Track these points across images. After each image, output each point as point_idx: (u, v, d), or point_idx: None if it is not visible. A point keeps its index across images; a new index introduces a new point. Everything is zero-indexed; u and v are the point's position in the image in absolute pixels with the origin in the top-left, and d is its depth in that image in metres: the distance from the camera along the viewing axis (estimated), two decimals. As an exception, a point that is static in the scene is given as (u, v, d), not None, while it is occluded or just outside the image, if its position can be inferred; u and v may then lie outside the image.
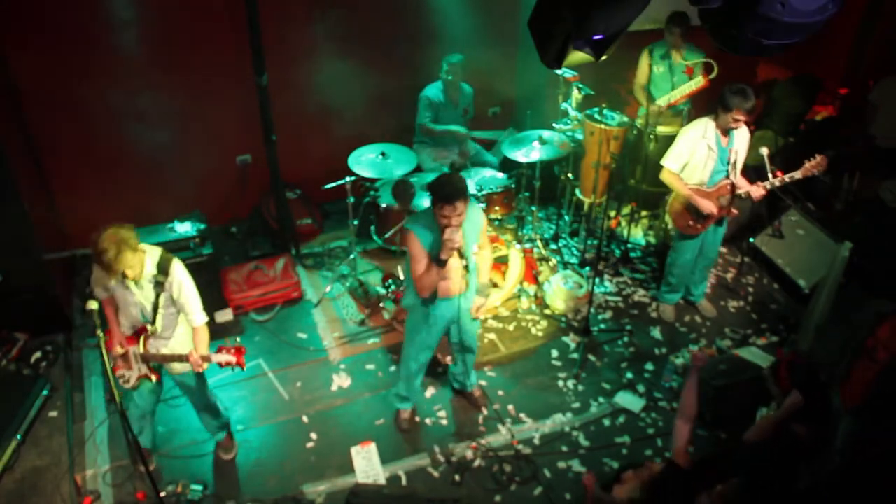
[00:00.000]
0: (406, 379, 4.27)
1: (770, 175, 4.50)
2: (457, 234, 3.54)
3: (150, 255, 3.51)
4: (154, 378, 3.72)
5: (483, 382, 4.73)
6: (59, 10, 4.74)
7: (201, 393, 3.92)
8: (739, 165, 4.59)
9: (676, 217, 4.81)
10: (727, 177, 4.58)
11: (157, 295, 3.52)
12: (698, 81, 5.43)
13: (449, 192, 3.48)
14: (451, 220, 3.52)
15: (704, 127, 4.49)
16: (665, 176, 4.66)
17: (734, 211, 4.72)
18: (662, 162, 4.65)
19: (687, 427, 3.22)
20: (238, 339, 3.65)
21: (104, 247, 3.23)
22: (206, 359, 3.57)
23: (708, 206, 4.60)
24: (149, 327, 3.60)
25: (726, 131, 4.46)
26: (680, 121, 5.73)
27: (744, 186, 4.59)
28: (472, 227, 3.82)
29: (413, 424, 4.44)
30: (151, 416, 4.02)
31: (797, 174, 4.45)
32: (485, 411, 4.51)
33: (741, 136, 4.54)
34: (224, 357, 3.58)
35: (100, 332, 3.23)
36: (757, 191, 4.53)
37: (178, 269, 3.55)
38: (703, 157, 4.53)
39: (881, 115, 5.87)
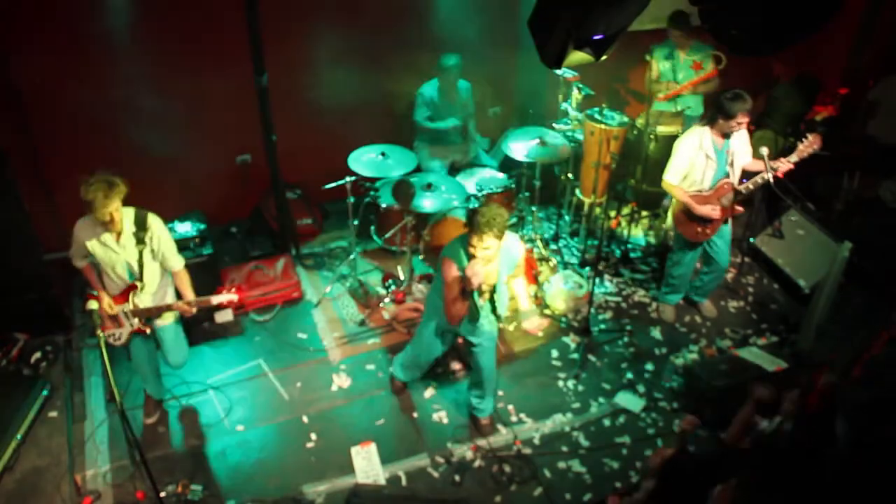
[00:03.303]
0: (411, 362, 4.36)
1: (770, 175, 4.48)
2: (478, 271, 3.47)
3: (127, 214, 3.70)
4: (147, 330, 3.90)
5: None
6: (59, 10, 4.74)
7: (177, 347, 4.07)
8: (738, 164, 4.57)
9: (682, 227, 4.78)
10: (726, 177, 4.58)
11: (139, 251, 3.70)
12: (707, 71, 5.46)
13: (481, 223, 3.38)
14: (477, 252, 3.47)
15: (699, 137, 4.48)
16: (666, 186, 4.68)
17: (738, 209, 4.69)
18: (664, 176, 4.64)
19: None
20: (234, 280, 3.77)
21: (94, 186, 3.41)
22: (197, 304, 3.78)
23: (707, 211, 4.59)
24: (137, 284, 3.76)
25: (726, 135, 4.46)
26: (680, 121, 5.73)
27: (768, 167, 4.44)
28: (508, 259, 3.74)
29: (404, 392, 4.57)
30: (153, 366, 4.15)
31: (793, 157, 4.41)
32: (490, 441, 4.33)
33: (738, 135, 4.52)
34: (225, 297, 3.77)
35: (100, 332, 3.24)
36: (785, 166, 4.42)
37: (155, 221, 3.77)
38: (702, 167, 4.53)
39: (881, 114, 5.86)
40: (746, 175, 4.64)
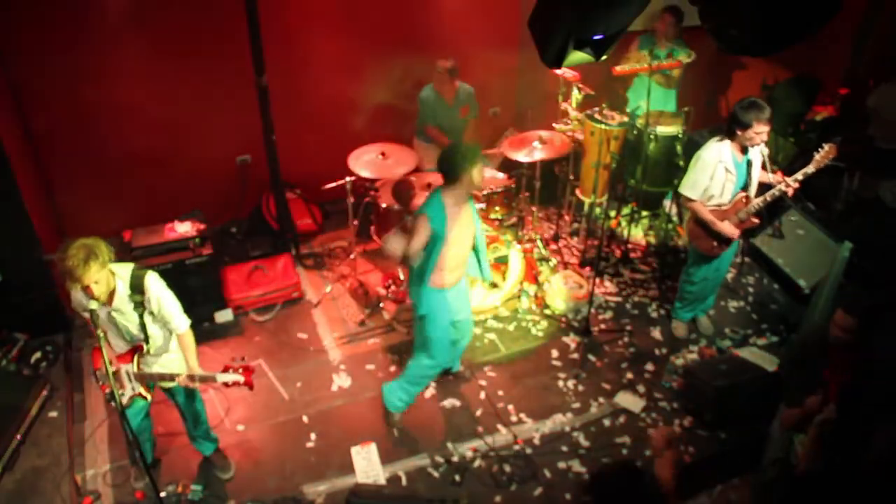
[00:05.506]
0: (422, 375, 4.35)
1: (770, 174, 4.45)
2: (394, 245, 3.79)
3: (121, 275, 3.34)
4: (149, 397, 3.61)
5: (483, 382, 4.74)
6: (59, 10, 4.74)
7: (189, 405, 3.86)
8: (756, 175, 4.43)
9: (698, 241, 4.64)
10: (743, 189, 4.43)
11: (139, 315, 3.39)
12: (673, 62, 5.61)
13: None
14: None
15: (719, 150, 4.32)
16: (685, 201, 4.56)
17: (755, 220, 4.54)
18: (681, 190, 4.51)
19: None
20: (245, 358, 3.51)
21: (71, 253, 3.06)
22: (200, 379, 3.47)
23: (727, 229, 4.44)
24: (144, 346, 3.48)
25: (745, 148, 4.32)
26: (680, 121, 5.74)
27: (771, 180, 4.38)
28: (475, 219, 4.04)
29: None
30: (148, 433, 3.94)
31: (810, 168, 4.23)
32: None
33: (756, 147, 4.35)
34: (231, 377, 3.44)
35: (100, 332, 3.22)
36: (789, 188, 4.29)
37: (152, 282, 3.38)
38: (721, 180, 4.37)
39: (879, 122, 5.78)
40: (762, 186, 4.48)
